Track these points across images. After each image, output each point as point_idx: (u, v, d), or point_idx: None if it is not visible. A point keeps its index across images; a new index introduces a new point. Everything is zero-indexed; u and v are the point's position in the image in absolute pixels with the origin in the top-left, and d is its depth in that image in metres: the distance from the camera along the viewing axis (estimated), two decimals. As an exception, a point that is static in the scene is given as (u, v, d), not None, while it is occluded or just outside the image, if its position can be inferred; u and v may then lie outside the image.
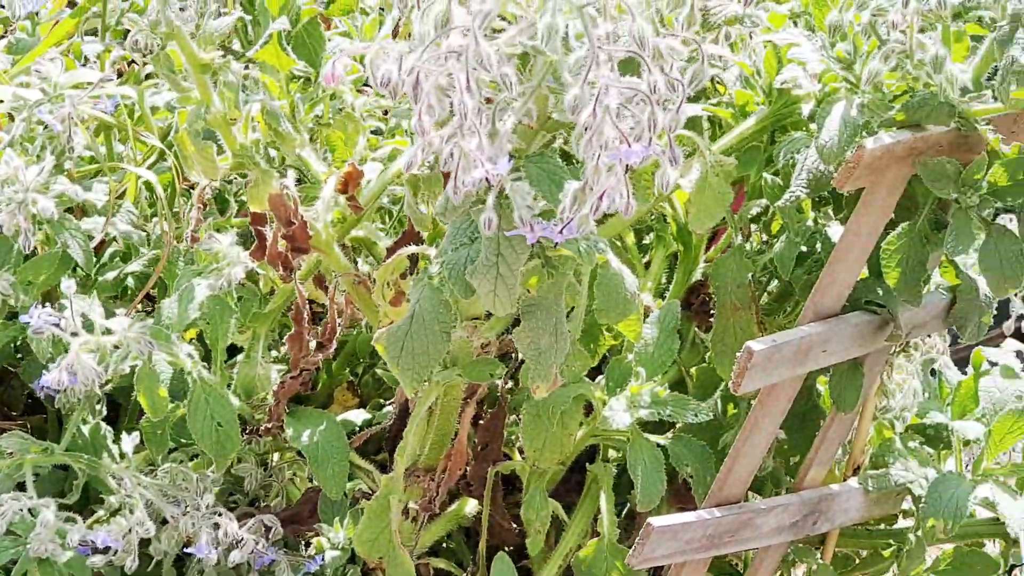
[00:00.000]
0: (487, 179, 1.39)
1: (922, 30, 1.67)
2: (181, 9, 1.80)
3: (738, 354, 1.75)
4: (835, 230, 1.87)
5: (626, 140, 1.34)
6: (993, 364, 2.17)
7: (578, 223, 1.42)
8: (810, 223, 1.89)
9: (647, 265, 2.21)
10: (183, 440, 2.02)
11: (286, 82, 2.11)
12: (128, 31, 2.10)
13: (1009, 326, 2.34)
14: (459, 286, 1.59)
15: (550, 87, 1.43)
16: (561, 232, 1.44)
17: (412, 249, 1.83)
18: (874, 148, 1.64)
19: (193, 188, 1.99)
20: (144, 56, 1.81)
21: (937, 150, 1.71)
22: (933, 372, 2.20)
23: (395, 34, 2.12)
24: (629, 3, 1.38)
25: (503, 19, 1.43)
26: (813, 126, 1.80)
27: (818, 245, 1.93)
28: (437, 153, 1.40)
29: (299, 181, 2.09)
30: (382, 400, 2.31)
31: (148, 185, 2.16)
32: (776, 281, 2.05)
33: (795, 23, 1.98)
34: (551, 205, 1.47)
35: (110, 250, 2.19)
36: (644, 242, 2.28)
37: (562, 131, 1.53)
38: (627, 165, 1.38)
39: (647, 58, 1.36)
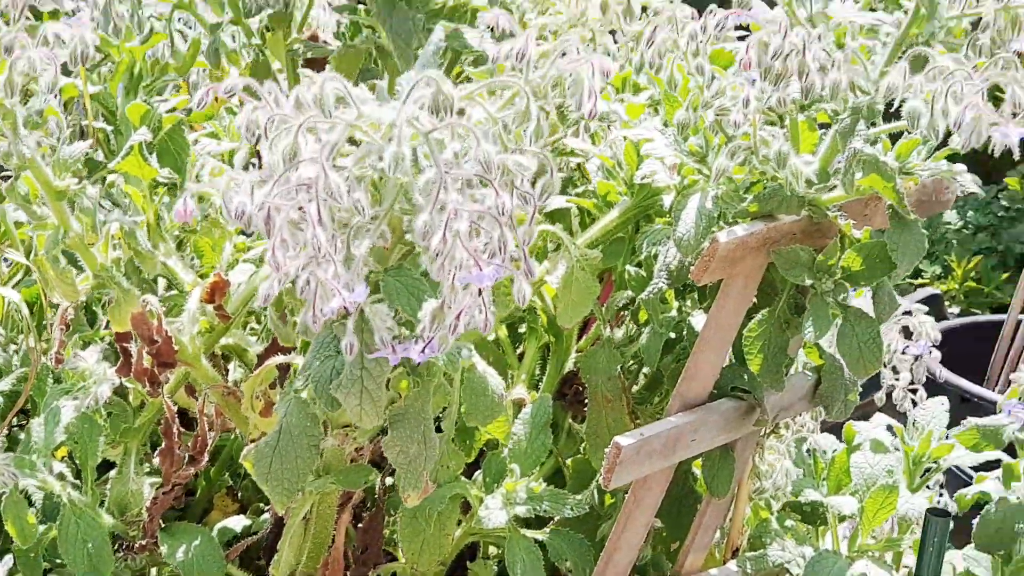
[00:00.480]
0: (345, 307, 1.39)
1: (771, 123, 1.71)
2: (45, 130, 1.79)
3: (607, 449, 1.76)
4: (698, 319, 1.89)
5: (478, 263, 1.35)
6: (867, 439, 2.20)
7: (438, 342, 1.43)
8: (674, 313, 1.92)
9: (520, 356, 2.22)
10: (58, 561, 1.99)
11: (150, 190, 2.10)
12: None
13: (880, 397, 2.38)
14: (325, 401, 1.58)
15: (403, 208, 1.44)
16: (423, 352, 1.44)
17: (280, 359, 1.82)
18: (728, 241, 1.67)
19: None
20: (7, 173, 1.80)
21: (790, 238, 1.74)
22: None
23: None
24: (473, 126, 1.39)
25: (352, 142, 1.44)
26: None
27: (685, 332, 1.95)
28: (293, 282, 1.40)
29: (169, 286, 2.08)
30: (262, 505, 2.29)
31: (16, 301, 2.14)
32: (646, 369, 2.07)
33: (656, 110, 2.01)
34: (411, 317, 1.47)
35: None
36: (520, 330, 2.29)
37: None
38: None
39: (494, 181, 1.37)
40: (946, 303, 4.71)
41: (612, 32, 2.24)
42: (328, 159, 1.34)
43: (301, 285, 1.38)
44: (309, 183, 1.34)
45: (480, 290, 1.38)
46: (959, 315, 4.72)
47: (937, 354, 2.42)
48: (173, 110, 2.19)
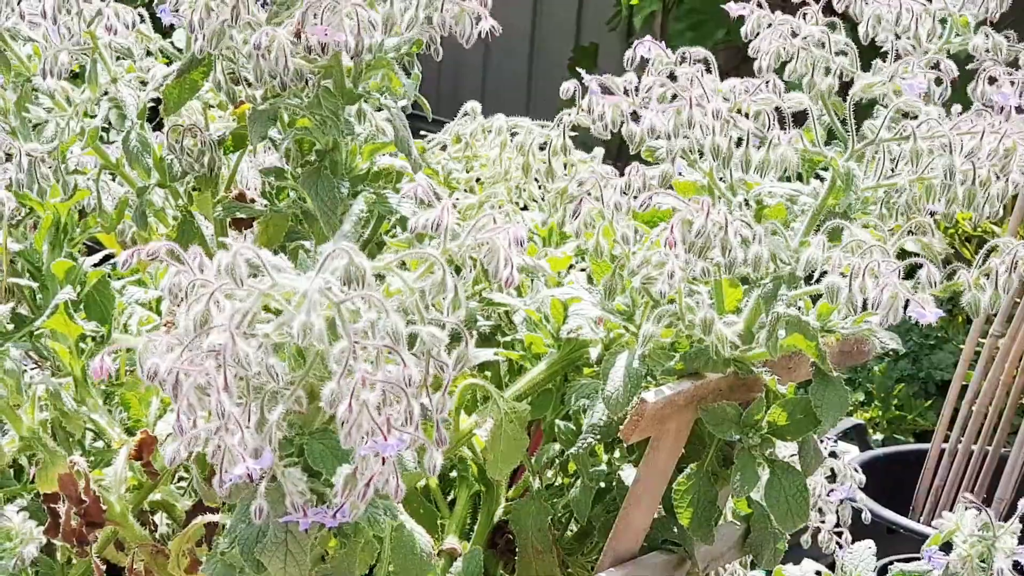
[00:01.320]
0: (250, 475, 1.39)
1: (694, 280, 1.74)
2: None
3: (538, 609, 1.76)
4: (628, 472, 1.91)
5: (383, 433, 1.36)
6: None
7: (350, 508, 1.43)
8: (604, 467, 1.93)
9: (451, 504, 2.22)
10: None
11: (76, 346, 2.10)
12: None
13: (806, 540, 2.40)
14: (250, 564, 1.58)
15: (321, 375, 1.45)
16: (335, 516, 1.45)
17: (207, 518, 1.82)
18: (656, 401, 1.69)
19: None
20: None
21: (717, 395, 1.76)
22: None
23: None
24: (382, 297, 1.40)
25: (274, 311, 1.45)
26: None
27: (615, 484, 1.97)
28: (202, 446, 1.40)
29: (96, 438, 2.07)
30: None
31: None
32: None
33: (582, 257, 2.04)
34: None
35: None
36: (451, 475, 2.29)
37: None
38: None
39: (401, 352, 1.38)
40: (870, 431, 4.77)
41: (537, 180, 2.28)
42: (237, 327, 1.34)
43: (211, 451, 1.38)
44: (217, 350, 1.35)
45: (389, 458, 1.39)
46: (883, 443, 4.78)
47: (862, 495, 2.45)
48: (99, 264, 2.20)
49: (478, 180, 2.28)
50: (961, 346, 4.48)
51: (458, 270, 1.61)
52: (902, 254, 1.64)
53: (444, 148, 2.20)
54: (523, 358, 2.01)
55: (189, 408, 1.34)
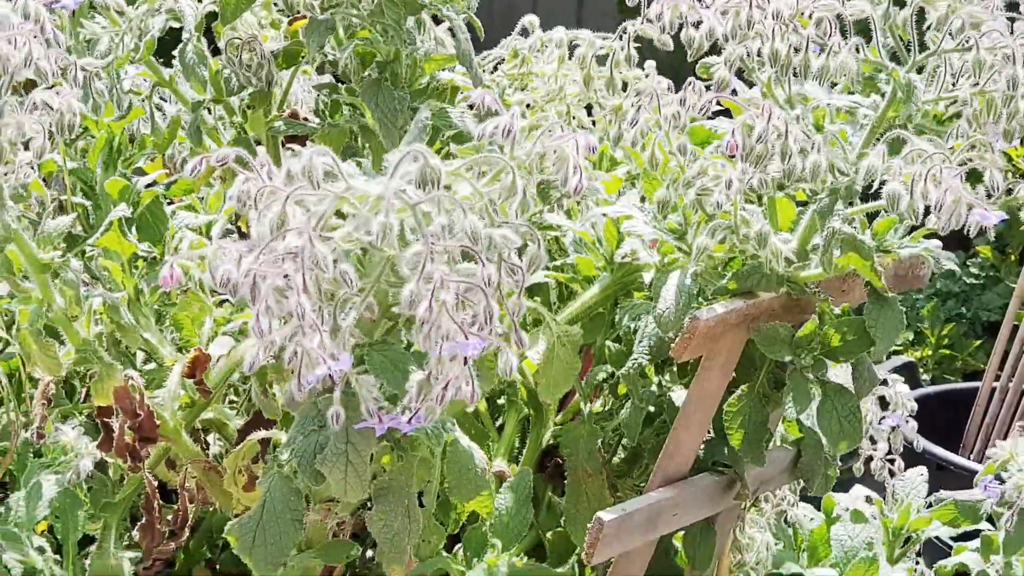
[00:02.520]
0: (331, 376, 1.40)
1: (749, 200, 1.73)
2: (27, 204, 1.80)
3: (589, 524, 1.76)
4: (679, 394, 1.90)
5: (464, 333, 1.36)
6: (846, 510, 2.21)
7: (425, 413, 1.44)
8: (654, 388, 1.93)
9: (500, 429, 2.22)
10: (37, 638, 1.98)
11: (129, 264, 2.11)
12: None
13: (858, 467, 2.39)
14: (309, 475, 1.59)
15: (389, 281, 1.45)
16: (409, 422, 1.45)
17: (263, 434, 1.82)
18: (708, 318, 1.68)
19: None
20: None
21: (770, 315, 1.75)
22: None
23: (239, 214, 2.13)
24: (460, 199, 1.40)
25: (340, 215, 1.45)
26: (653, 288, 1.85)
27: (665, 407, 1.96)
28: (280, 351, 1.40)
29: (148, 360, 2.08)
30: (242, 578, 2.28)
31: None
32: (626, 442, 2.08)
33: (633, 183, 2.03)
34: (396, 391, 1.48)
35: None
36: (499, 401, 2.30)
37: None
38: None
39: (480, 252, 1.38)
40: (919, 370, 4.74)
41: (587, 107, 2.27)
42: (315, 229, 1.35)
43: (288, 355, 1.39)
44: (295, 252, 1.35)
45: (466, 361, 1.39)
46: (932, 383, 4.75)
47: (914, 423, 2.44)
48: (152, 184, 2.21)
49: (528, 106, 2.26)
50: (1012, 285, 4.45)
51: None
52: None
53: (495, 68, 2.18)
54: (573, 280, 2.01)
55: (267, 311, 1.34)
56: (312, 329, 1.37)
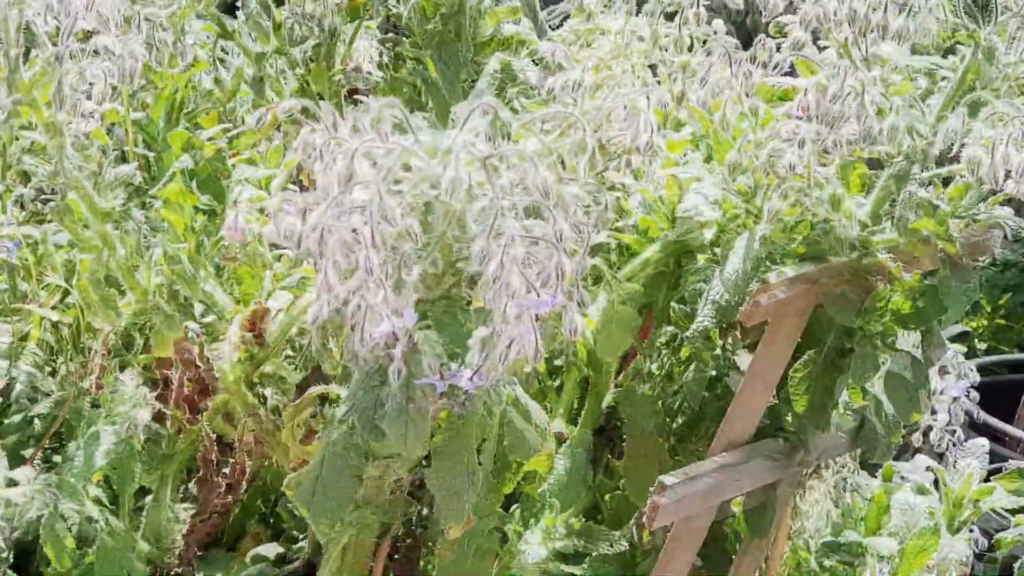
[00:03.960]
0: (394, 332, 1.38)
1: (822, 164, 1.69)
2: (87, 154, 1.79)
3: (651, 488, 1.74)
4: (743, 358, 1.88)
5: (535, 290, 1.34)
6: (905, 479, 2.19)
7: (487, 371, 1.42)
8: (718, 351, 1.90)
9: (559, 390, 2.20)
10: (93, 587, 1.98)
11: (190, 217, 2.10)
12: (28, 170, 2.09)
13: (918, 438, 2.37)
14: (369, 431, 1.57)
15: (455, 236, 1.43)
16: (471, 380, 1.43)
17: (321, 388, 1.82)
18: (778, 283, 1.65)
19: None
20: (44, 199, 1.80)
21: (839, 280, 1.73)
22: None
23: (300, 167, 2.12)
24: (530, 153, 1.38)
25: (405, 168, 1.43)
26: (717, 251, 1.82)
27: (728, 371, 1.94)
28: (343, 305, 1.39)
29: (205, 313, 2.07)
30: (296, 533, 2.28)
31: (54, 324, 2.13)
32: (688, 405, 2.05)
33: (696, 146, 2.00)
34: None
35: (15, 391, 2.15)
36: (557, 363, 2.28)
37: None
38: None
39: (551, 207, 1.36)
40: (975, 340, 4.69)
41: (651, 66, 2.23)
42: (384, 182, 1.33)
43: (352, 309, 1.37)
44: (364, 205, 1.33)
45: (529, 319, 1.37)
46: (987, 352, 4.70)
47: (975, 394, 2.41)
48: (213, 138, 2.19)
49: (595, 67, 2.23)
50: (1072, 256, 4.39)
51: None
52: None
53: (561, 24, 2.15)
54: (636, 242, 1.98)
55: (335, 266, 1.32)
56: (377, 284, 1.35)
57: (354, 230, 1.35)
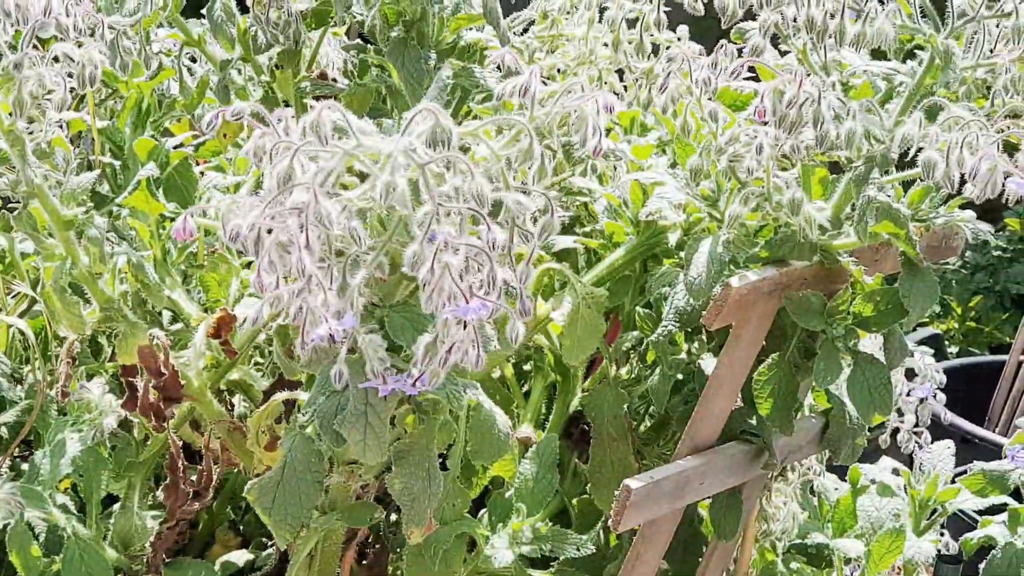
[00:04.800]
0: (332, 335, 1.39)
1: (782, 168, 1.70)
2: (52, 163, 1.78)
3: (616, 492, 1.75)
4: (708, 363, 1.88)
5: (465, 296, 1.34)
6: (872, 481, 2.20)
7: (429, 376, 1.42)
8: (683, 355, 1.91)
9: (527, 395, 2.21)
10: (59, 595, 1.97)
11: (156, 225, 2.10)
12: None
13: (884, 439, 2.38)
14: (329, 436, 1.57)
15: (400, 240, 1.43)
16: (414, 385, 1.44)
17: (286, 395, 1.82)
18: (741, 286, 1.66)
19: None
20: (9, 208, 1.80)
21: (802, 284, 1.74)
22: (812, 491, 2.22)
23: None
24: (468, 161, 1.38)
25: (361, 176, 1.43)
26: (683, 254, 1.83)
27: (693, 374, 1.95)
28: (285, 308, 1.39)
29: (174, 320, 2.08)
30: (265, 540, 2.28)
31: (22, 331, 2.13)
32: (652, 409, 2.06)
33: (663, 150, 2.01)
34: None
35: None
36: (526, 368, 2.28)
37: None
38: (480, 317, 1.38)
39: (485, 215, 1.36)
40: (945, 343, 4.71)
41: (619, 72, 2.24)
42: (320, 185, 1.33)
43: (294, 312, 1.38)
44: (300, 207, 1.33)
45: (471, 325, 1.37)
46: (958, 355, 4.72)
47: (942, 396, 2.43)
48: (180, 145, 2.19)
49: (559, 71, 2.24)
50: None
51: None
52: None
53: (526, 30, 2.16)
54: (603, 247, 1.99)
55: (270, 265, 1.33)
56: (316, 287, 1.35)
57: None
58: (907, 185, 1.74)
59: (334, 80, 2.01)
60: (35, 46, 1.62)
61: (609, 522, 1.78)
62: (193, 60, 2.34)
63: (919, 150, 1.54)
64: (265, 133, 1.37)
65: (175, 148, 2.16)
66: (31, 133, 1.69)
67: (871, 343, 1.85)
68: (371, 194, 1.34)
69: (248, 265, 2.27)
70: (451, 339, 1.35)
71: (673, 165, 1.90)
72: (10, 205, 2.17)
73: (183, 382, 1.87)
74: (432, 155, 1.32)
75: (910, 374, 2.45)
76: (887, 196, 1.62)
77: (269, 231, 1.33)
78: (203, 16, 2.08)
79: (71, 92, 1.66)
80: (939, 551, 2.09)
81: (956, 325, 4.89)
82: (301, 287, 1.33)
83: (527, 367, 2.26)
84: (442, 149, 1.33)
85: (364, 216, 1.39)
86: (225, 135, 2.15)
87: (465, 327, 1.35)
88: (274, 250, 1.32)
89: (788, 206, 1.60)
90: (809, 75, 1.52)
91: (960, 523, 2.88)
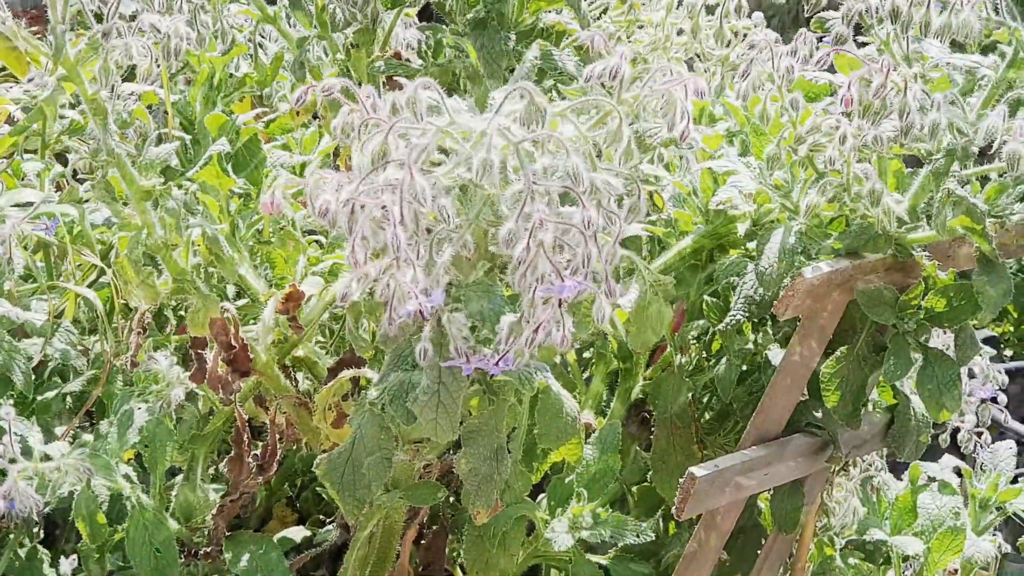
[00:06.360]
0: (421, 311, 1.39)
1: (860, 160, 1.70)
2: (123, 135, 1.80)
3: (681, 480, 1.75)
4: (775, 354, 1.88)
5: (560, 275, 1.34)
6: (932, 479, 2.19)
7: (514, 355, 1.42)
8: (751, 345, 1.91)
9: (588, 381, 2.21)
10: (122, 564, 1.99)
11: (226, 200, 2.11)
12: (66, 148, 2.11)
13: (945, 439, 2.36)
14: (400, 413, 1.58)
15: (488, 219, 1.44)
16: (497, 364, 1.44)
17: (353, 372, 1.82)
18: (813, 277, 1.66)
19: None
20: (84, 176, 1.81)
21: (874, 277, 1.73)
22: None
23: (336, 154, 2.13)
24: (564, 139, 1.38)
25: (443, 152, 1.44)
26: (751, 245, 1.82)
27: (759, 365, 1.94)
28: (373, 284, 1.39)
29: (239, 296, 2.09)
30: (322, 517, 2.29)
31: (88, 302, 2.15)
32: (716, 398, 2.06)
33: (731, 141, 2.00)
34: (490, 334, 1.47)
35: (48, 369, 2.16)
36: (586, 355, 2.28)
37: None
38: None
39: (581, 194, 1.36)
40: (1001, 345, 4.67)
41: (688, 61, 2.24)
42: (416, 162, 1.34)
43: (381, 288, 1.38)
44: (395, 184, 1.34)
45: (559, 304, 1.37)
46: (1012, 358, 4.68)
47: (1003, 398, 2.41)
48: (252, 120, 2.20)
49: (633, 60, 2.24)
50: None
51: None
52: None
53: (602, 14, 2.15)
54: (669, 235, 1.98)
55: (363, 241, 1.33)
56: (406, 263, 1.36)
57: (384, 208, 1.35)
58: (981, 181, 1.73)
59: (408, 60, 2.02)
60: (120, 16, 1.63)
61: (672, 510, 1.78)
62: (264, 37, 2.35)
63: (1001, 144, 1.53)
64: (353, 109, 1.38)
65: (244, 124, 2.16)
66: (110, 101, 1.71)
67: (935, 341, 1.85)
68: (458, 172, 1.35)
69: (312, 244, 2.29)
70: (538, 319, 1.35)
71: (742, 154, 1.89)
72: (79, 177, 2.20)
73: (251, 356, 1.88)
74: (526, 134, 1.32)
75: (969, 374, 2.44)
76: (966, 191, 1.61)
77: (362, 207, 1.33)
78: (280, -6, 2.09)
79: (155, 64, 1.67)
80: (1004, 551, 2.07)
81: (1012, 328, 4.84)
82: (390, 263, 1.33)
83: (588, 354, 2.26)
84: (535, 128, 1.33)
85: (448, 194, 1.39)
86: (297, 113, 2.16)
87: (559, 305, 1.34)
88: (367, 225, 1.33)
89: (868, 197, 1.59)
90: (894, 66, 1.51)
91: (1014, 525, 2.87)
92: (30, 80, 1.95)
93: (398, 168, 1.32)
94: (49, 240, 2.09)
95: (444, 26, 2.01)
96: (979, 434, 2.37)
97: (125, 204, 1.81)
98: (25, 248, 2.08)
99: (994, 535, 2.34)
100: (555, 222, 1.34)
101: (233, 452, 1.95)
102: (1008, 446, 2.27)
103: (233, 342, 1.84)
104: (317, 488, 2.30)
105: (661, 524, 2.02)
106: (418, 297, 1.36)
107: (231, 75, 2.29)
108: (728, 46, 1.90)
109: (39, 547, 1.98)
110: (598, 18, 2.17)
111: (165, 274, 1.88)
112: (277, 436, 1.97)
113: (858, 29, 1.66)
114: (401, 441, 1.76)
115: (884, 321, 1.72)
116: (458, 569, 2.08)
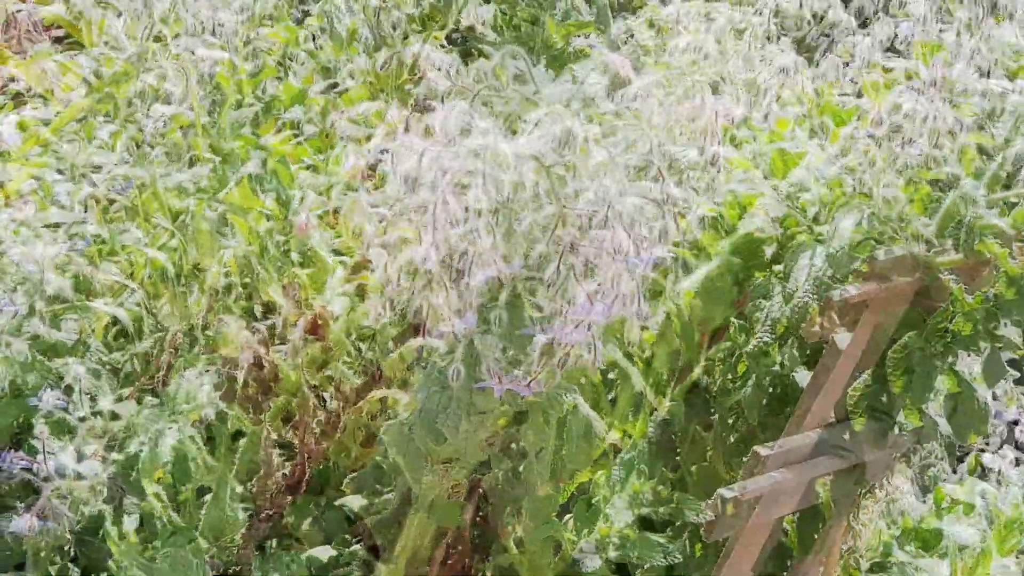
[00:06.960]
0: (454, 333, 1.41)
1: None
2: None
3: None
4: (802, 376, 1.88)
5: (590, 299, 1.36)
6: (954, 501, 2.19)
7: (546, 377, 1.44)
8: (776, 368, 1.91)
9: (613, 402, 2.21)
10: (154, 581, 2.00)
11: (257, 220, 2.13)
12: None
13: (1002, 432, 2.37)
14: (431, 433, 1.59)
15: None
16: (528, 386, 1.45)
17: (384, 392, 1.84)
18: (840, 300, 1.67)
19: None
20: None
21: (902, 300, 1.73)
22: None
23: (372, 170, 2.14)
24: (592, 168, 1.40)
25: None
26: (777, 267, 1.83)
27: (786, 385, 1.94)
28: (451, 252, 1.41)
29: (266, 314, 2.10)
30: (348, 537, 2.29)
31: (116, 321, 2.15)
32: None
33: (756, 165, 2.01)
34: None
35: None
36: (610, 376, 2.28)
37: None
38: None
39: (612, 219, 1.37)
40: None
41: (713, 85, 2.25)
42: (496, 131, 1.35)
43: (458, 258, 1.39)
44: (480, 149, 1.36)
45: (589, 327, 1.39)
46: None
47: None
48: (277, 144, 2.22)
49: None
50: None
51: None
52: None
53: (628, 39, 2.17)
54: (696, 256, 1.99)
55: (445, 205, 1.35)
56: (487, 230, 1.38)
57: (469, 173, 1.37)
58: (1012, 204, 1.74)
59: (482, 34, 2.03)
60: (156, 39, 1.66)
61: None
62: (291, 59, 2.37)
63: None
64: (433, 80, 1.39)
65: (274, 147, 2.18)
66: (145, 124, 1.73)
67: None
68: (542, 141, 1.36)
69: (342, 264, 2.30)
70: (569, 341, 1.36)
71: (766, 178, 1.90)
72: (110, 195, 2.21)
73: (281, 376, 1.89)
74: (556, 158, 1.34)
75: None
76: (993, 215, 1.62)
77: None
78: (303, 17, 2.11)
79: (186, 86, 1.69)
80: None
81: (1034, 351, 4.84)
82: (471, 229, 1.35)
83: (611, 375, 2.26)
84: (567, 153, 1.35)
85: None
86: (327, 135, 2.17)
87: (588, 328, 1.36)
88: (450, 189, 1.34)
89: (896, 220, 1.60)
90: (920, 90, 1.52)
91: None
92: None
93: (483, 136, 1.34)
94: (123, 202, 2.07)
95: (474, 49, 2.03)
96: (1004, 456, 2.38)
97: (157, 225, 1.83)
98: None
99: (1017, 557, 2.34)
100: (590, 247, 1.36)
101: (263, 471, 1.96)
102: (1033, 468, 2.27)
103: (264, 362, 1.86)
104: (345, 508, 2.30)
105: (688, 546, 2.02)
106: (497, 263, 1.37)
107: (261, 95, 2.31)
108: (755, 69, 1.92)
109: (69, 565, 1.98)
110: (625, 41, 2.19)
111: (198, 293, 1.89)
112: (306, 456, 1.98)
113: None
114: (431, 461, 1.76)
115: (911, 344, 1.72)
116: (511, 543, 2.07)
